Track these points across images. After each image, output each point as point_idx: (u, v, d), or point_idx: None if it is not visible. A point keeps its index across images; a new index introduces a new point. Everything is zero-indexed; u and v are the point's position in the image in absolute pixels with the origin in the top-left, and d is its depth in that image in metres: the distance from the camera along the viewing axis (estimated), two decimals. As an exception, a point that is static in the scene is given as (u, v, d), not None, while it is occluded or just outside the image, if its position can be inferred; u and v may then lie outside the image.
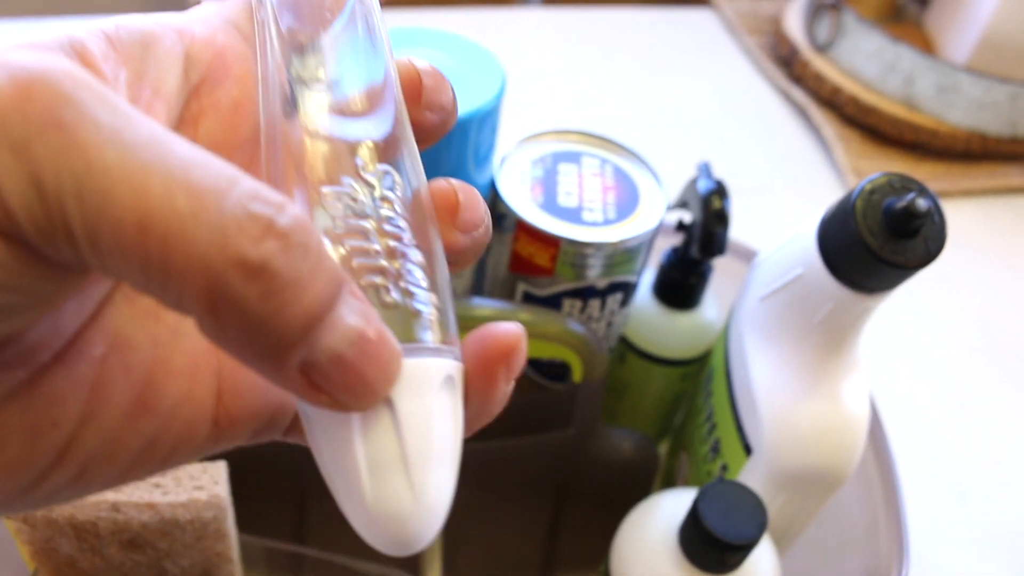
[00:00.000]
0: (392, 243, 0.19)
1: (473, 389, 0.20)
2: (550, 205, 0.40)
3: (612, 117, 0.86)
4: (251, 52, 0.21)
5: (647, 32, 0.99)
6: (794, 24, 0.93)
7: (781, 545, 0.42)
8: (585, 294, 0.41)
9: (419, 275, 0.19)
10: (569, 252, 0.39)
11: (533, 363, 0.45)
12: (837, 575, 0.45)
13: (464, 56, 0.41)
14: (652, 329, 0.48)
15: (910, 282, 0.36)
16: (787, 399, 0.40)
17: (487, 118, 0.39)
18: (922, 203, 0.33)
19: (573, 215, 0.40)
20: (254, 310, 0.15)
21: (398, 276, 0.18)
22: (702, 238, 0.43)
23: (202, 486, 0.35)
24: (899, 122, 0.83)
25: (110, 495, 0.34)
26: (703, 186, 0.44)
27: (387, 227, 0.19)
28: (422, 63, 0.22)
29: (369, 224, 0.19)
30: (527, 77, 0.86)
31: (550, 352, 0.40)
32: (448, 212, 0.21)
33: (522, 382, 0.47)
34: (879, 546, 0.43)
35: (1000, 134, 0.82)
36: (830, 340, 0.39)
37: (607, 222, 0.40)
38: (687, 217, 0.46)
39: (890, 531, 0.43)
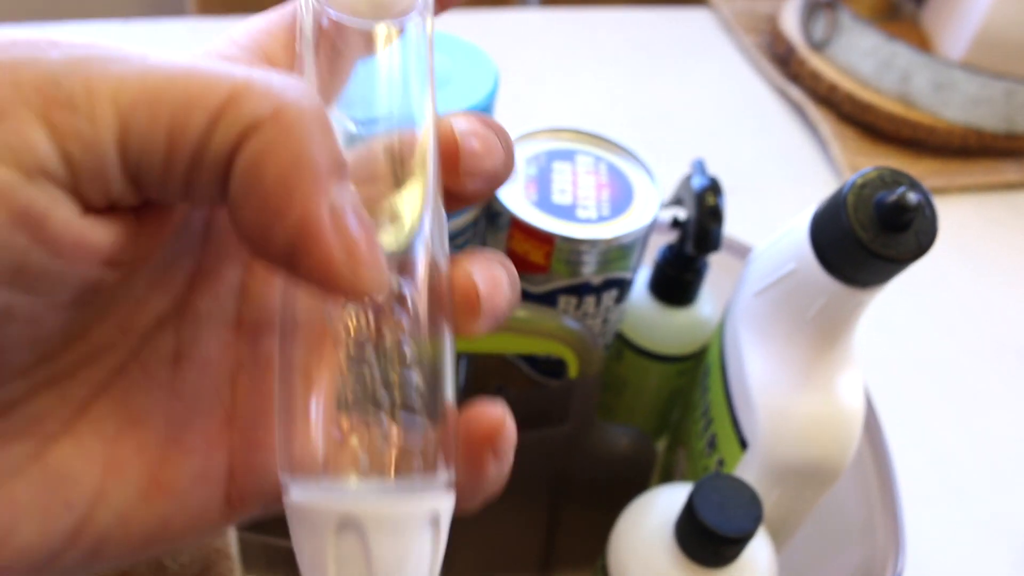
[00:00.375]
0: (391, 371, 0.19)
1: (463, 474, 0.19)
2: (544, 203, 0.41)
3: (611, 116, 0.86)
4: None
5: (644, 32, 0.99)
6: (790, 22, 0.94)
7: (778, 539, 0.43)
8: (580, 291, 0.42)
9: (415, 397, 0.19)
10: (564, 249, 0.40)
11: (529, 360, 0.45)
12: (834, 569, 0.45)
13: (456, 54, 0.41)
14: (649, 326, 0.49)
15: (907, 277, 0.36)
16: (782, 393, 0.40)
17: (481, 116, 0.39)
18: (912, 197, 0.34)
19: (567, 212, 0.40)
20: (309, 112, 0.16)
21: (392, 407, 0.19)
22: (697, 234, 0.44)
23: (200, 483, 0.35)
24: (895, 119, 0.83)
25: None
26: (697, 183, 0.44)
27: (391, 350, 0.19)
28: (468, 123, 0.21)
29: (370, 353, 0.19)
30: (526, 77, 0.87)
31: (546, 348, 0.40)
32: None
33: (518, 379, 0.47)
34: (876, 540, 0.43)
35: (996, 130, 0.82)
36: (824, 334, 0.39)
37: (601, 219, 0.40)
38: (682, 214, 0.46)
39: (886, 525, 0.43)
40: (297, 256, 0.16)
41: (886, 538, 0.42)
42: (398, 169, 0.19)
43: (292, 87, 0.16)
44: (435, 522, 0.18)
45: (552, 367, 0.45)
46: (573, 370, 0.41)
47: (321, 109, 0.17)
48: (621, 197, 0.42)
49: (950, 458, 0.61)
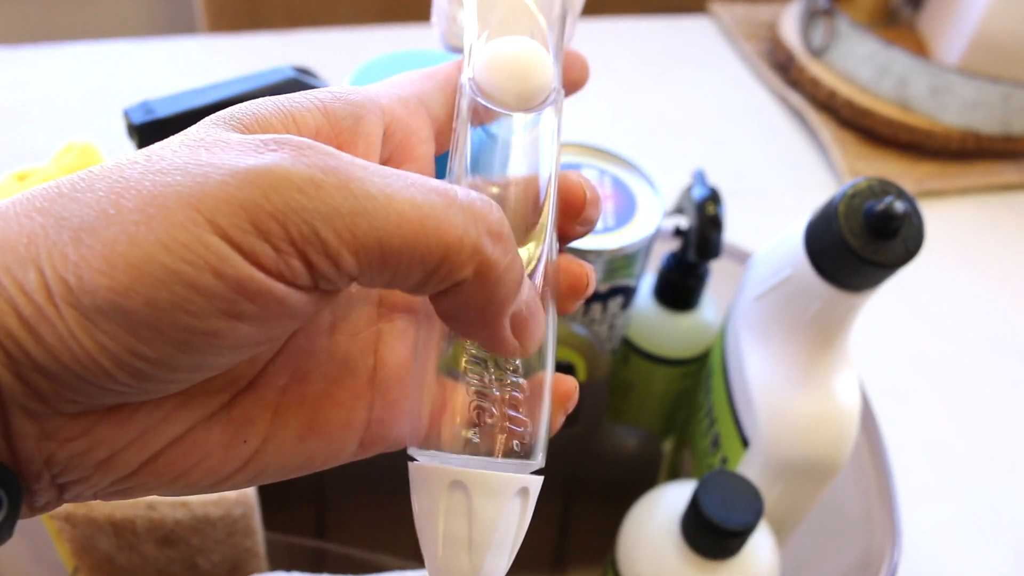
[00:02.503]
0: (508, 378, 0.24)
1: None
2: (552, 215, 0.43)
3: (613, 124, 0.88)
4: (431, 135, 0.26)
5: (646, 41, 1.01)
6: (790, 30, 0.96)
7: (780, 534, 0.44)
8: (587, 298, 0.44)
9: (519, 403, 0.24)
10: (571, 259, 0.42)
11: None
12: (834, 562, 0.47)
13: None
14: (653, 330, 0.51)
15: (906, 278, 0.38)
16: (781, 393, 0.42)
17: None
18: (899, 206, 0.36)
19: (574, 224, 0.42)
20: (501, 266, 0.21)
21: (503, 402, 0.23)
22: (698, 242, 0.46)
23: (232, 485, 0.38)
24: (894, 123, 0.85)
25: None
26: (697, 193, 0.46)
27: (504, 365, 0.24)
28: (586, 178, 0.26)
29: (488, 362, 0.24)
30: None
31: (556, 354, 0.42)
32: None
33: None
34: (873, 534, 0.45)
35: (993, 133, 0.84)
36: (820, 336, 0.41)
37: (606, 229, 0.42)
38: (683, 223, 0.48)
39: (883, 520, 0.45)
40: (487, 346, 0.23)
41: (883, 532, 0.44)
42: (531, 212, 0.25)
43: (489, 245, 0.20)
44: (524, 494, 0.23)
45: (560, 371, 0.47)
46: (582, 374, 0.43)
47: (509, 256, 0.21)
48: (625, 208, 0.44)
49: (947, 454, 0.63)
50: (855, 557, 0.45)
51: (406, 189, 0.20)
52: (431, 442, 0.23)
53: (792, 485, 0.43)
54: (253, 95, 0.41)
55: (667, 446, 0.58)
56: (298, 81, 0.41)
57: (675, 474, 0.54)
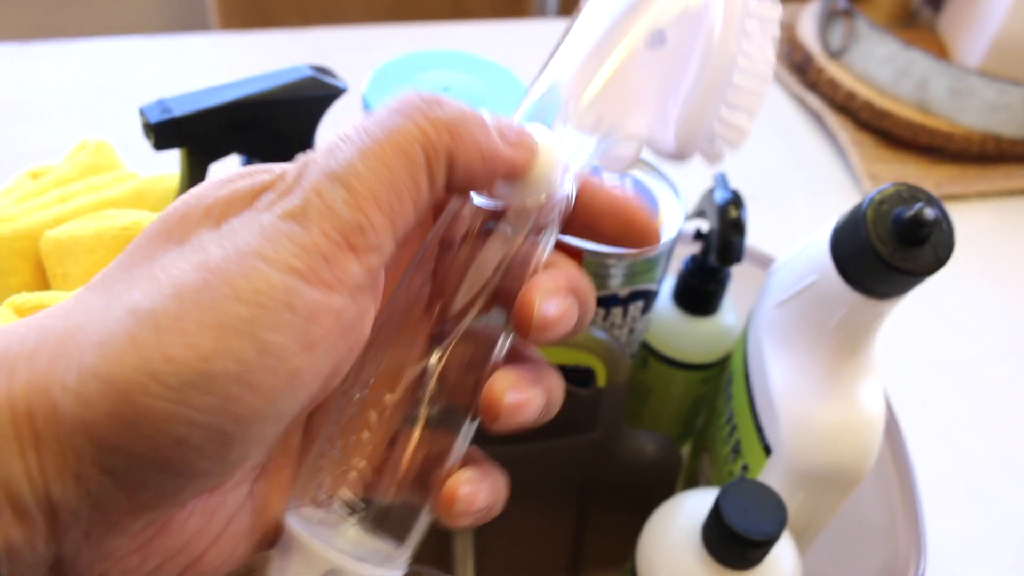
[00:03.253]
0: (406, 450, 0.24)
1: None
2: (572, 217, 0.42)
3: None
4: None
5: (662, 41, 1.00)
6: (807, 31, 0.95)
7: (801, 542, 0.44)
8: (607, 302, 0.43)
9: (412, 484, 0.24)
10: (592, 263, 0.41)
11: (558, 369, 0.47)
12: (856, 572, 0.47)
13: (488, 77, 0.42)
14: (673, 335, 0.50)
15: (927, 283, 0.37)
16: (804, 400, 0.41)
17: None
18: (929, 212, 0.35)
19: (595, 227, 0.42)
20: (465, 112, 0.23)
21: (394, 482, 0.24)
22: (719, 246, 0.45)
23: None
24: (913, 126, 0.84)
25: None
26: (719, 196, 0.45)
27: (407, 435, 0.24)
28: (553, 296, 0.25)
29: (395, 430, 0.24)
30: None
31: (575, 358, 0.42)
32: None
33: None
34: (897, 544, 0.44)
35: (1014, 136, 0.83)
36: (845, 343, 0.40)
37: (628, 233, 0.42)
38: (705, 226, 0.47)
39: (908, 529, 0.44)
40: (503, 170, 0.24)
41: (907, 542, 0.44)
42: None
43: (438, 110, 0.23)
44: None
45: (580, 376, 0.46)
46: (602, 379, 0.42)
47: (458, 105, 0.23)
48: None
49: (971, 463, 0.62)
50: (878, 567, 0.44)
51: (359, 138, 0.22)
52: (311, 508, 0.23)
53: (814, 494, 0.43)
54: (270, 94, 0.40)
55: (684, 452, 0.57)
56: (316, 80, 0.41)
57: (693, 481, 0.54)
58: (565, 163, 0.26)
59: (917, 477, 0.45)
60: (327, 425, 0.24)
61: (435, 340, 0.24)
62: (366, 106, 0.40)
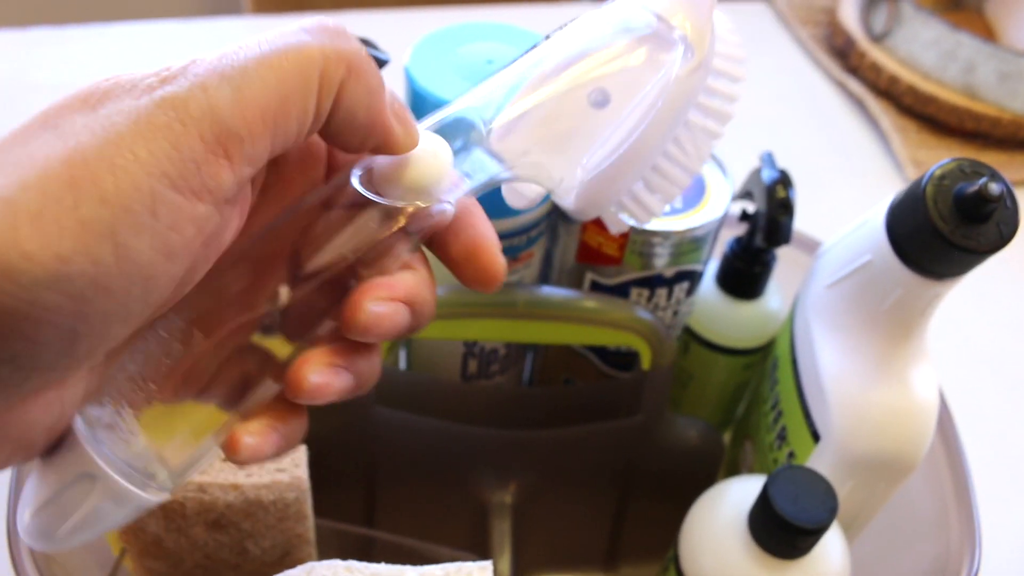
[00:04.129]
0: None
1: None
2: (616, 195, 0.41)
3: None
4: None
5: (699, 25, 0.99)
6: (849, 14, 0.93)
7: (850, 532, 0.42)
8: (652, 283, 0.42)
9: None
10: (637, 241, 0.40)
11: (599, 352, 0.46)
12: (906, 564, 0.45)
13: (520, 44, 0.41)
14: (716, 319, 0.49)
15: (976, 272, 0.36)
16: (855, 385, 0.40)
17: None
18: (995, 187, 0.33)
19: (639, 205, 0.41)
20: (361, 53, 0.23)
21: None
22: (767, 227, 0.44)
23: (284, 468, 0.36)
24: (959, 111, 0.82)
25: (197, 477, 0.36)
26: (767, 175, 0.44)
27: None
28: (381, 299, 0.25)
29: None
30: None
31: (618, 340, 0.41)
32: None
33: (587, 371, 0.48)
34: (949, 537, 0.43)
35: (1065, 122, 0.80)
36: (899, 326, 0.39)
37: (674, 211, 0.41)
38: (751, 207, 0.46)
39: (961, 522, 0.42)
40: (381, 141, 0.24)
41: (961, 536, 0.42)
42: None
43: (342, 42, 0.22)
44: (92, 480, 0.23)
45: (621, 359, 0.45)
46: (646, 361, 0.41)
47: (361, 46, 0.23)
48: (694, 190, 0.42)
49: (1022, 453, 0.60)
50: (929, 560, 0.43)
51: (261, 46, 0.21)
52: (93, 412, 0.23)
53: (864, 482, 0.41)
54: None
55: (725, 439, 0.56)
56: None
57: (734, 469, 0.52)
58: (452, 181, 0.25)
59: (970, 469, 0.44)
60: (148, 334, 0.24)
61: (268, 297, 0.24)
62: (410, 80, 0.39)
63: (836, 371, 0.40)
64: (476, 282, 0.26)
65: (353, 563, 0.32)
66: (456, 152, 0.26)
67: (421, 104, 0.39)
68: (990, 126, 0.81)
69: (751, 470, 0.49)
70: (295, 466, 0.37)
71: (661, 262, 0.41)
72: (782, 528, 0.36)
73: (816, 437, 0.41)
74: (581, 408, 0.45)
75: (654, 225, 0.40)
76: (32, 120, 0.20)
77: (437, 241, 0.26)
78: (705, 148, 0.29)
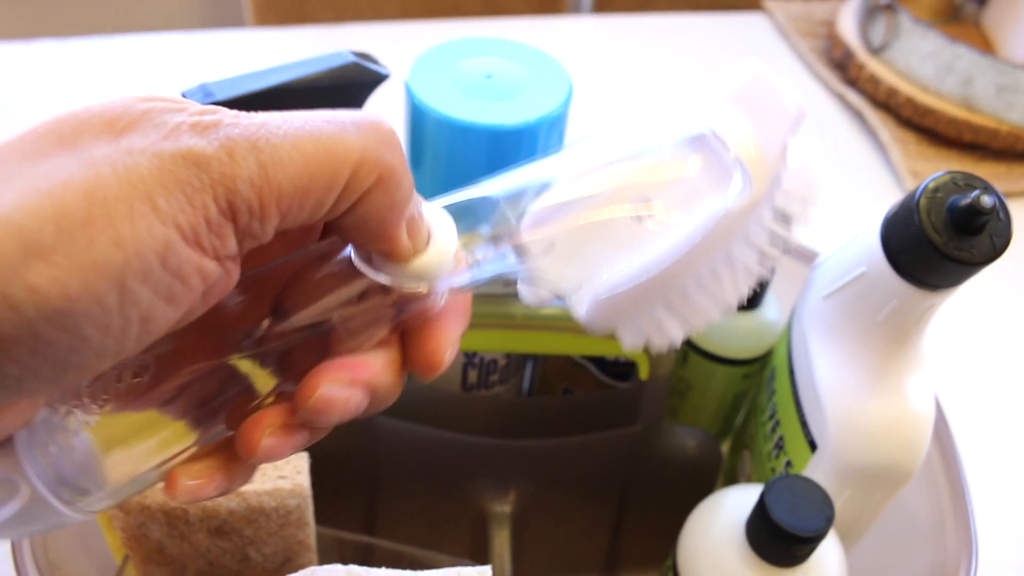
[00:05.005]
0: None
1: None
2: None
3: (666, 122, 0.86)
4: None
5: (699, 38, 0.99)
6: (848, 26, 0.93)
7: (847, 541, 0.43)
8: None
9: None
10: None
11: (597, 362, 0.46)
12: (903, 573, 0.45)
13: (531, 64, 0.42)
14: (714, 329, 0.49)
15: (973, 281, 0.36)
16: (852, 395, 0.40)
17: (555, 124, 0.40)
18: (987, 200, 0.34)
19: (637, 216, 0.41)
20: (400, 170, 0.22)
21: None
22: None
23: (286, 475, 0.37)
24: (957, 122, 0.82)
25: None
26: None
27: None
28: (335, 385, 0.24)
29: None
30: (580, 83, 0.87)
31: (616, 350, 0.41)
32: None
33: (586, 381, 0.48)
34: (946, 544, 0.43)
35: (1062, 133, 0.81)
36: (894, 337, 0.39)
37: (671, 222, 0.41)
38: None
39: (958, 529, 0.43)
40: (386, 250, 0.23)
41: (958, 544, 0.42)
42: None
43: (386, 152, 0.22)
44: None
45: (620, 369, 0.46)
46: (644, 371, 0.42)
47: (404, 161, 0.23)
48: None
49: (1021, 464, 0.60)
50: (927, 569, 0.43)
51: (303, 127, 0.21)
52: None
53: (861, 491, 0.41)
54: (313, 80, 0.40)
55: (724, 449, 0.56)
56: (358, 66, 0.41)
57: (732, 478, 0.53)
58: (454, 272, 0.24)
59: (967, 477, 0.44)
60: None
61: (245, 342, 0.24)
62: (410, 94, 0.40)
63: (832, 381, 0.41)
64: (413, 364, 0.25)
65: (354, 567, 0.33)
66: (473, 231, 0.25)
67: (421, 118, 0.39)
68: (988, 138, 0.82)
69: (750, 478, 0.50)
70: (296, 473, 0.37)
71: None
72: (779, 536, 0.37)
73: (813, 446, 0.42)
74: (580, 418, 0.45)
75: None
76: (46, 128, 0.20)
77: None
78: (743, 286, 0.26)
